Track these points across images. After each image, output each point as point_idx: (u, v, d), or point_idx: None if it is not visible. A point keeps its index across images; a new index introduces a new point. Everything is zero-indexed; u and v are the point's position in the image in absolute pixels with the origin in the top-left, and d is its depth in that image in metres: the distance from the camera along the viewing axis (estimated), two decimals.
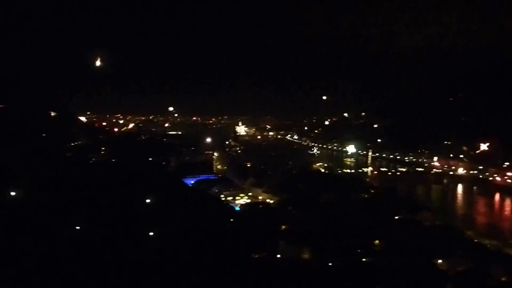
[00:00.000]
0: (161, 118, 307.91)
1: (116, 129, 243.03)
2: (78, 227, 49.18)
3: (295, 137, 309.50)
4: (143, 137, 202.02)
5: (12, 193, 51.54)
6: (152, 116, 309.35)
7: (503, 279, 59.58)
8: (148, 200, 64.17)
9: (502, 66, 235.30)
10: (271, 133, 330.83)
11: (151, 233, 53.27)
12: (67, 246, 41.98)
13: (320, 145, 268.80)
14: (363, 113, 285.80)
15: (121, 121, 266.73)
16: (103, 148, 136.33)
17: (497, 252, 72.74)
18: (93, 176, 72.77)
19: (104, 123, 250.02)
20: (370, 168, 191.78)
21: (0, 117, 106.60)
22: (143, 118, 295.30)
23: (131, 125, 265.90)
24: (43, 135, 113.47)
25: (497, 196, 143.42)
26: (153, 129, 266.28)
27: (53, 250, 40.10)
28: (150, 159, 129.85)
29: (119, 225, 51.17)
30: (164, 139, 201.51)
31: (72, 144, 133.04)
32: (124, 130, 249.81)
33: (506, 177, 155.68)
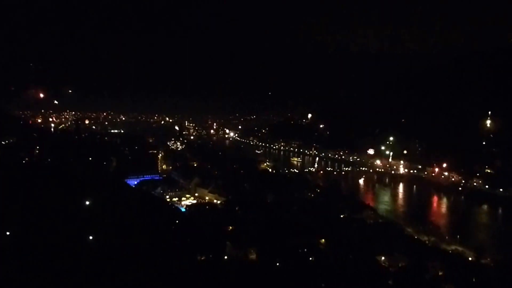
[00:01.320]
0: (102, 115, 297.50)
1: (52, 126, 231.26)
2: (8, 232, 45.51)
3: (241, 136, 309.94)
4: (83, 135, 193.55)
5: None
6: (93, 114, 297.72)
7: (440, 273, 62.03)
8: (87, 203, 60.75)
9: (440, 69, 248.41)
10: (217, 132, 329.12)
11: (90, 237, 50.31)
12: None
13: (267, 145, 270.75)
14: (309, 114, 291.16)
15: (57, 118, 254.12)
16: (37, 147, 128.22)
17: (435, 248, 75.84)
18: (26, 177, 67.90)
19: (39, 120, 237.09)
20: (316, 168, 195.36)
21: None
22: (85, 116, 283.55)
23: (69, 123, 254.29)
24: None
25: (435, 194, 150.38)
26: (94, 127, 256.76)
27: None
28: (90, 158, 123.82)
29: (55, 229, 47.85)
30: (106, 138, 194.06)
31: (2, 142, 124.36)
32: (61, 128, 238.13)
33: (442, 176, 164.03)
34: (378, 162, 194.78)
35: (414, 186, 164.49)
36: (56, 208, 52.85)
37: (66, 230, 48.29)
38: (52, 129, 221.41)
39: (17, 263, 37.58)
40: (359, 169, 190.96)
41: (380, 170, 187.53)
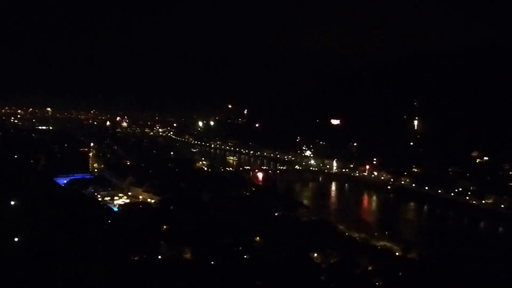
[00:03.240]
0: (28, 111, 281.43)
1: None
2: None
3: (176, 134, 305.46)
4: (9, 131, 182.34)
5: None
6: (19, 110, 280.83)
7: (369, 268, 65.09)
8: (12, 202, 57.43)
9: (374, 72, 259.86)
10: (152, 130, 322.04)
11: (16, 239, 47.68)
12: None
13: (203, 143, 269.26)
14: (245, 110, 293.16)
15: None
16: None
17: (365, 244, 79.14)
18: None
19: None
20: (252, 167, 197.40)
21: None
22: (9, 112, 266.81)
23: None
24: None
25: (365, 192, 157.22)
26: (19, 123, 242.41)
27: None
28: (15, 156, 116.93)
29: None
30: (33, 135, 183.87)
31: None
32: None
33: (372, 174, 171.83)
34: (312, 161, 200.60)
35: (346, 184, 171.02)
36: None
37: None
38: None
39: None
40: (294, 168, 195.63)
41: (314, 169, 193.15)
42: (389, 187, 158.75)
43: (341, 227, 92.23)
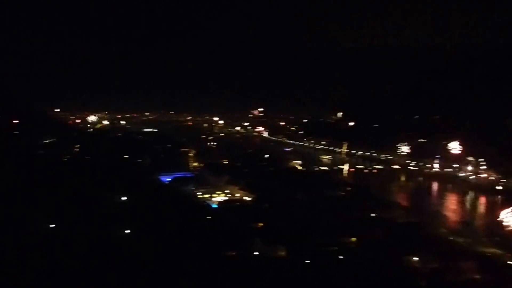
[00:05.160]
0: (135, 115, 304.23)
1: (89, 126, 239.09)
2: (53, 225, 48.21)
3: (270, 134, 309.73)
4: (119, 135, 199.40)
5: None
6: (127, 114, 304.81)
7: (475, 276, 60.67)
8: (123, 198, 63.28)
9: (475, 63, 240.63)
10: (246, 130, 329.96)
11: (127, 231, 52.54)
12: (41, 243, 41.17)
13: (296, 143, 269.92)
14: (340, 112, 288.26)
15: (95, 118, 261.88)
16: (77, 146, 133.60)
17: (470, 250, 73.81)
18: (67, 174, 71.16)
19: (77, 120, 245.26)
20: (346, 166, 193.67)
21: None
22: (120, 116, 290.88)
23: (105, 122, 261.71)
24: (15, 133, 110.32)
25: (470, 193, 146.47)
26: (128, 127, 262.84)
27: (29, 247, 39.29)
28: (126, 156, 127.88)
29: (95, 223, 50.29)
30: (140, 137, 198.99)
31: (45, 141, 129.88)
32: (98, 127, 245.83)
33: (478, 174, 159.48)
34: (410, 160, 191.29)
35: (449, 185, 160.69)
36: (95, 203, 55.45)
37: (105, 224, 50.64)
38: (90, 129, 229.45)
39: (60, 252, 39.86)
40: (391, 167, 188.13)
41: (412, 168, 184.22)
42: (497, 188, 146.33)
43: (443, 230, 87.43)
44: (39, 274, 35.73)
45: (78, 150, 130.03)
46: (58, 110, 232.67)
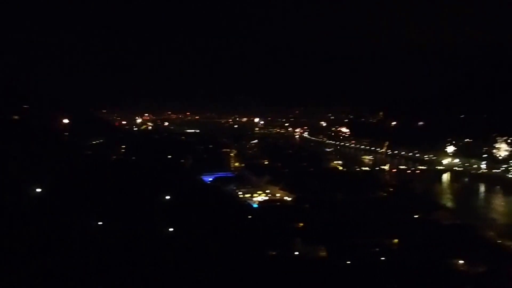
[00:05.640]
0: (178, 116, 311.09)
1: (135, 128, 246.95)
2: (100, 223, 50.50)
3: (310, 134, 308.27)
4: (162, 135, 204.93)
5: (38, 190, 52.81)
6: (171, 115, 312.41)
7: None
8: (167, 197, 65.30)
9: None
10: (286, 130, 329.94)
11: (170, 229, 54.22)
12: (88, 242, 43.12)
13: (337, 143, 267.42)
14: (381, 112, 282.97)
15: (139, 119, 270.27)
16: (123, 146, 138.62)
17: None
18: (114, 173, 74.13)
19: (123, 122, 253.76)
20: (388, 166, 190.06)
21: (20, 118, 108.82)
22: (163, 117, 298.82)
23: (149, 124, 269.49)
24: (65, 133, 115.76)
25: None
26: (171, 128, 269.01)
27: (76, 244, 41.26)
28: (169, 157, 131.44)
29: (138, 222, 52.20)
30: (182, 137, 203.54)
31: (93, 142, 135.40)
32: (143, 128, 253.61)
33: None
34: (456, 160, 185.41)
35: (497, 187, 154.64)
36: (140, 201, 57.63)
37: (149, 222, 52.59)
38: (135, 130, 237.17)
39: (106, 249, 41.79)
40: (435, 168, 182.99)
41: (458, 169, 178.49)
42: None
43: (491, 233, 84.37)
44: (88, 270, 37.44)
45: (124, 150, 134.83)
46: (105, 111, 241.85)
